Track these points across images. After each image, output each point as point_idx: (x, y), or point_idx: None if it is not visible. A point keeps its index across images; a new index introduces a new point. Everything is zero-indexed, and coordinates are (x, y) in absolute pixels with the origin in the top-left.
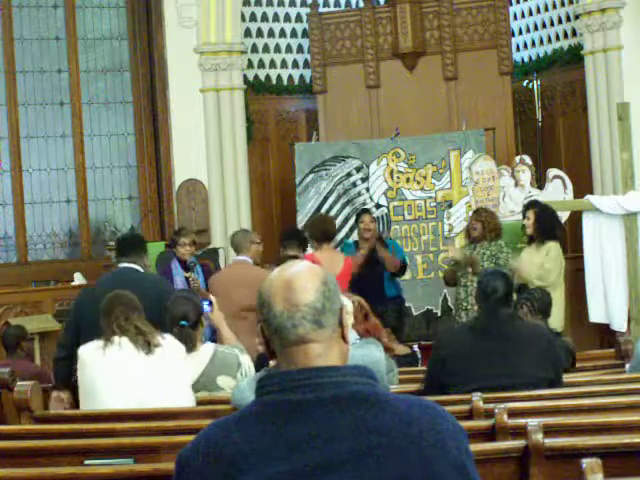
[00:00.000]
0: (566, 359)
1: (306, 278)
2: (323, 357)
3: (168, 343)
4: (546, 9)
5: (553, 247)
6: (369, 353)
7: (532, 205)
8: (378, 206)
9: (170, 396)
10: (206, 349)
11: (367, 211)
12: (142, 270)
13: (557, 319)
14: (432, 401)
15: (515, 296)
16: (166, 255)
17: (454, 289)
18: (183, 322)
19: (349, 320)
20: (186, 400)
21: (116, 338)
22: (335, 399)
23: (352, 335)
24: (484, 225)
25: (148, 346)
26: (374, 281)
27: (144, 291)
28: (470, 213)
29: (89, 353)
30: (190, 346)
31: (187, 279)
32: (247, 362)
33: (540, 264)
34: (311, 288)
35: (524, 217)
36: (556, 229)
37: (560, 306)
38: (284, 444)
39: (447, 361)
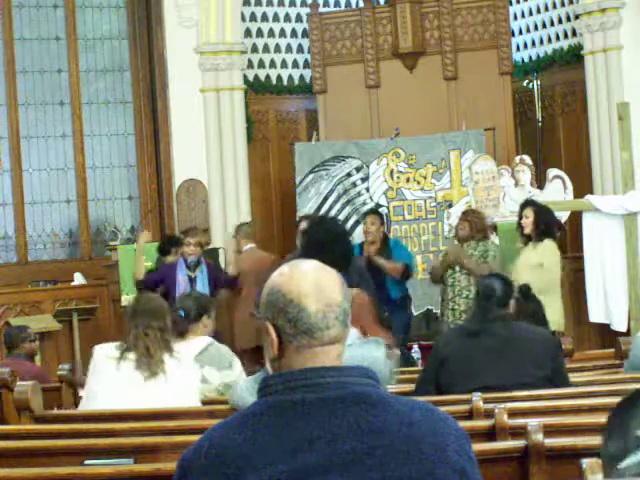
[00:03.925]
0: None
1: (331, 277)
2: (339, 358)
3: (175, 366)
4: (546, 9)
5: (549, 244)
6: (368, 353)
7: (530, 204)
8: (378, 206)
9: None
10: (200, 341)
11: (372, 212)
12: None
13: (557, 318)
14: (433, 404)
15: (517, 297)
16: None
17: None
18: (181, 312)
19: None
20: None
21: (130, 354)
22: (337, 399)
23: (353, 333)
24: (471, 226)
25: (150, 372)
26: (377, 285)
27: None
28: (455, 216)
29: (103, 360)
30: (181, 333)
31: (190, 278)
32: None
33: (537, 263)
34: (339, 289)
35: (520, 216)
36: (554, 228)
37: (559, 306)
38: (286, 444)
39: (446, 361)
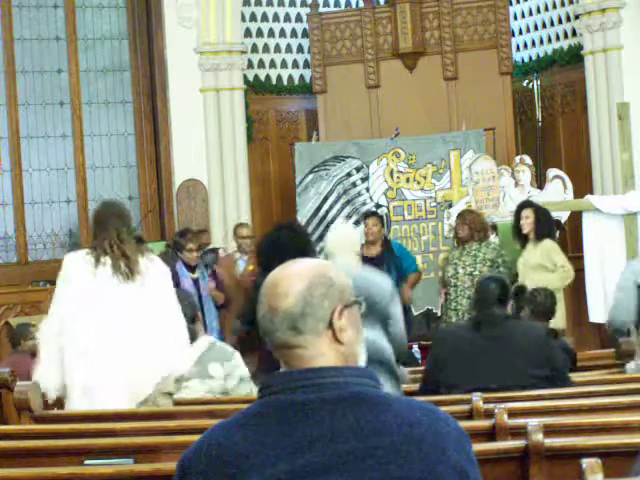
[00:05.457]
0: (566, 359)
1: (291, 281)
2: (316, 360)
3: (153, 268)
4: (546, 9)
5: (553, 244)
6: (372, 277)
7: (529, 205)
8: (378, 206)
9: (148, 321)
10: (204, 340)
11: (373, 214)
12: None
13: (560, 317)
14: (433, 404)
15: (513, 300)
16: (168, 255)
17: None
18: None
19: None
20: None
21: (107, 259)
22: (337, 400)
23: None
24: (470, 226)
25: (129, 273)
26: None
27: None
28: (455, 217)
29: (79, 266)
30: (194, 338)
31: (194, 280)
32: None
33: (537, 264)
34: (292, 292)
35: (518, 217)
36: (553, 228)
37: (562, 304)
38: (286, 445)
39: (443, 361)
